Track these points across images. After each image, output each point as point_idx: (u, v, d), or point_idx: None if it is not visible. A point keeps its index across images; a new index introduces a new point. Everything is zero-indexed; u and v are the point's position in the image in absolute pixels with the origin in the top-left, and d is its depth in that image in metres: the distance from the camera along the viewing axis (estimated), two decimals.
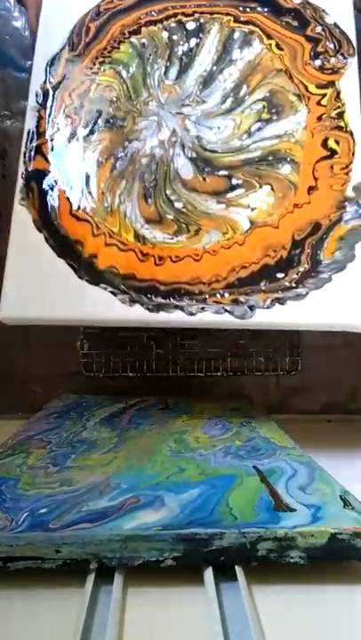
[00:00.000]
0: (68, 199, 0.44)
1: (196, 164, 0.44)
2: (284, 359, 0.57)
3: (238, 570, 0.24)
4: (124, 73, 0.47)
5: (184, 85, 0.46)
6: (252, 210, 0.43)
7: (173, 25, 0.47)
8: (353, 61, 0.46)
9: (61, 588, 0.24)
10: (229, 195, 0.43)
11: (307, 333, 0.58)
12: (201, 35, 0.47)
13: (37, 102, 0.47)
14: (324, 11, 0.47)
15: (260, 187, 0.43)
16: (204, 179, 0.44)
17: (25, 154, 0.46)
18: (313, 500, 0.27)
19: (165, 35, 0.47)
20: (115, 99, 0.46)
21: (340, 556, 0.24)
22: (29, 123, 0.46)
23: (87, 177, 0.45)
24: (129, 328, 0.55)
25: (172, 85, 0.46)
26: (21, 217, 0.44)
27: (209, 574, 0.24)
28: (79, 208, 0.44)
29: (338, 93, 0.45)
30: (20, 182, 0.45)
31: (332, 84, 0.45)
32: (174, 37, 0.47)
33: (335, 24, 0.47)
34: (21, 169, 0.46)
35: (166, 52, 0.47)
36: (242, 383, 0.59)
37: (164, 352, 0.57)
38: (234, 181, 0.44)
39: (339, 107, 0.45)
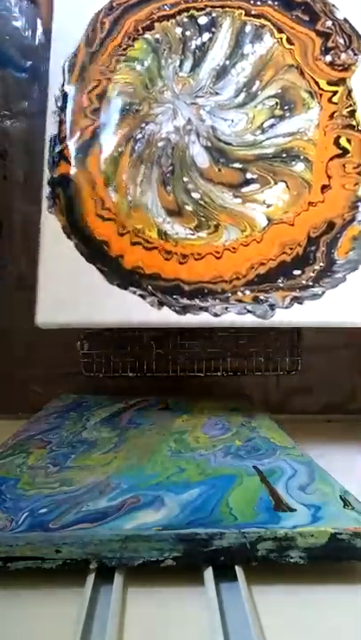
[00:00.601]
0: (92, 199, 0.45)
1: (211, 154, 0.45)
2: (284, 359, 0.57)
3: (238, 570, 0.24)
4: (138, 67, 0.47)
5: (198, 77, 0.47)
6: (268, 206, 0.44)
7: (186, 20, 0.48)
8: None
9: (61, 588, 0.24)
10: (245, 189, 0.44)
11: (307, 333, 0.58)
12: (213, 29, 0.47)
13: (57, 106, 0.47)
14: (333, 5, 0.47)
15: (275, 183, 0.44)
16: (220, 169, 0.45)
17: (49, 160, 0.46)
18: (313, 500, 0.27)
19: (179, 30, 0.48)
20: (131, 90, 0.47)
21: (340, 556, 0.24)
22: (51, 128, 0.47)
23: (109, 174, 0.45)
24: (129, 328, 0.55)
25: (187, 77, 0.47)
26: (50, 224, 0.45)
27: (209, 574, 0.24)
28: (103, 207, 0.45)
29: (349, 92, 0.46)
30: (46, 189, 0.46)
31: (343, 81, 0.46)
32: (187, 33, 0.48)
33: (345, 19, 0.47)
34: (46, 176, 0.46)
35: (180, 47, 0.47)
36: (242, 383, 0.59)
37: (164, 352, 0.57)
38: (248, 175, 0.45)
39: (350, 105, 0.45)
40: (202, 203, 0.44)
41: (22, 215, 0.59)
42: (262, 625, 0.21)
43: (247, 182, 0.45)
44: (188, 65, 0.47)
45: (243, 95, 0.46)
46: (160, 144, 0.46)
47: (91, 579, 0.23)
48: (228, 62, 0.47)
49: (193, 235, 0.44)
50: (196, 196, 0.45)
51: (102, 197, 0.45)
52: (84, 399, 0.54)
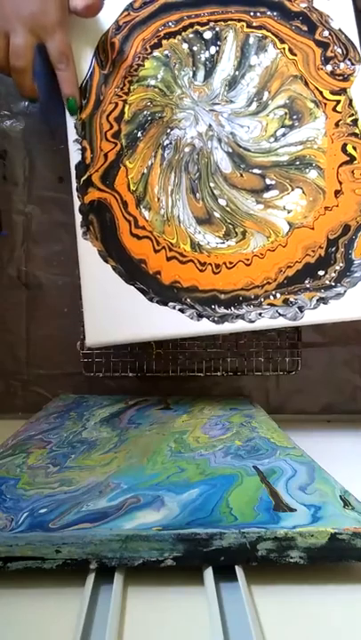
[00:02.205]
0: (125, 220, 0.47)
1: (233, 160, 0.47)
2: (284, 359, 0.58)
3: (238, 570, 0.24)
4: (152, 82, 0.49)
5: (212, 87, 0.48)
6: (289, 212, 0.47)
7: (191, 36, 0.49)
8: (360, 68, 0.48)
9: (61, 587, 0.24)
10: (265, 195, 0.47)
11: (307, 333, 0.58)
12: (219, 42, 0.49)
13: (77, 134, 0.48)
14: (328, 16, 0.48)
15: (293, 189, 0.47)
16: (242, 175, 0.47)
17: (77, 188, 0.48)
18: (313, 500, 0.27)
19: (185, 46, 0.49)
20: (149, 103, 0.48)
21: (340, 555, 0.24)
22: (75, 157, 0.48)
23: (139, 194, 0.47)
24: None
25: (202, 86, 0.48)
26: (87, 250, 0.47)
27: (209, 574, 0.24)
28: (137, 225, 0.47)
29: (350, 101, 0.47)
30: (78, 218, 0.48)
31: (343, 91, 0.48)
32: (194, 48, 0.49)
33: (340, 30, 0.48)
34: (77, 204, 0.48)
35: (190, 60, 0.49)
36: (242, 383, 0.59)
37: (164, 352, 0.57)
38: (268, 181, 0.47)
39: (352, 114, 0.47)
40: (228, 210, 0.47)
41: (22, 215, 0.59)
42: (262, 625, 0.21)
43: (267, 188, 0.47)
44: (200, 75, 0.48)
45: (255, 105, 0.48)
46: (186, 149, 0.47)
47: (91, 579, 0.23)
48: (237, 73, 0.48)
49: (223, 243, 0.47)
50: (222, 202, 0.47)
51: (135, 216, 0.47)
52: (84, 399, 0.54)
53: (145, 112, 0.48)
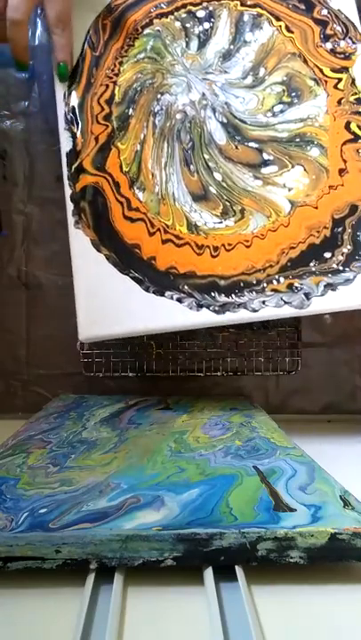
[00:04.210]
0: (118, 202, 0.45)
1: (228, 130, 0.45)
2: (284, 359, 0.58)
3: (238, 570, 0.24)
4: (142, 55, 0.47)
5: (205, 57, 0.47)
6: (290, 190, 0.44)
7: (184, 15, 0.48)
8: None
9: (61, 587, 0.24)
10: (263, 170, 0.45)
11: (307, 333, 0.58)
12: (212, 19, 0.48)
13: (67, 121, 0.46)
14: None
15: (293, 166, 0.45)
16: (237, 147, 0.45)
17: (68, 177, 0.46)
18: (313, 500, 0.27)
19: (178, 24, 0.48)
20: (140, 75, 0.47)
21: (340, 555, 0.24)
22: (65, 145, 0.46)
23: (133, 174, 0.45)
24: None
25: (195, 55, 0.47)
26: (79, 240, 0.45)
27: (209, 574, 0.24)
28: (130, 207, 0.44)
29: (353, 80, 0.46)
30: (69, 206, 0.45)
31: (345, 69, 0.46)
32: (187, 25, 0.48)
33: (339, 10, 0.48)
34: (67, 192, 0.46)
35: (182, 34, 0.48)
36: (242, 383, 0.59)
37: (164, 352, 0.57)
38: (265, 156, 0.45)
39: (355, 93, 0.46)
40: (225, 185, 0.45)
41: (22, 215, 0.59)
42: (262, 625, 0.21)
43: (265, 163, 0.45)
44: (194, 45, 0.47)
45: (251, 78, 0.46)
46: (178, 116, 0.46)
47: (91, 579, 0.23)
48: (232, 47, 0.47)
49: (221, 223, 0.44)
50: (218, 177, 0.45)
51: (128, 197, 0.45)
52: (84, 399, 0.54)
53: (135, 85, 0.47)
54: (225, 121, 0.46)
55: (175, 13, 0.48)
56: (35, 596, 0.23)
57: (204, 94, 0.46)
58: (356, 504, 0.27)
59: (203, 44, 0.47)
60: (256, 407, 0.51)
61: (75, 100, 0.47)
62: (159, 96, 0.46)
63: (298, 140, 0.45)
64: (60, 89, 0.47)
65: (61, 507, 0.27)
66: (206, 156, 0.45)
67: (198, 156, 0.45)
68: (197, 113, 0.46)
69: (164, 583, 0.24)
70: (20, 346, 0.59)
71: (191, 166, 0.45)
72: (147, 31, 0.48)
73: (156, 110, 0.46)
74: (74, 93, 0.47)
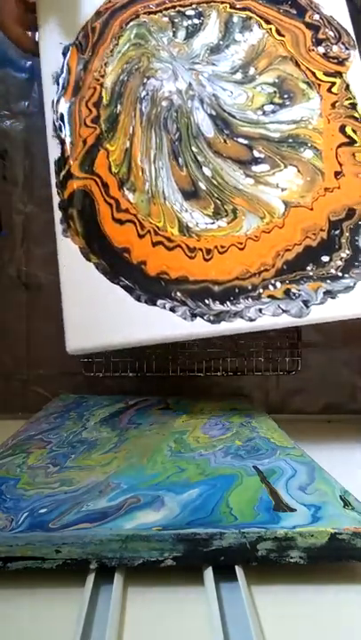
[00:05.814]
0: (106, 203, 0.43)
1: (216, 123, 0.44)
2: (284, 359, 0.57)
3: (238, 570, 0.24)
4: (126, 46, 0.46)
5: (192, 47, 0.46)
6: (283, 190, 0.43)
7: (173, 13, 0.47)
8: (356, 54, 0.46)
9: (61, 588, 0.24)
10: (254, 168, 0.44)
11: (307, 333, 0.58)
12: (202, 18, 0.47)
13: (55, 128, 0.45)
14: (318, 4, 0.47)
15: (286, 167, 0.44)
16: (225, 141, 0.44)
17: (57, 184, 0.45)
18: (313, 500, 0.27)
19: (166, 19, 0.47)
20: (125, 65, 0.46)
21: (340, 555, 0.24)
22: (53, 152, 0.45)
23: (122, 175, 0.44)
24: None
25: (182, 44, 0.46)
26: (67, 249, 0.43)
27: (209, 574, 0.24)
28: (119, 209, 0.43)
29: (347, 86, 0.46)
30: (57, 215, 0.44)
31: (338, 74, 0.46)
32: (175, 20, 0.47)
33: (332, 17, 0.47)
34: (55, 200, 0.44)
35: (170, 26, 0.47)
36: (242, 383, 0.59)
37: (164, 352, 0.57)
38: (256, 154, 0.44)
39: (350, 98, 0.45)
40: (215, 182, 0.43)
41: (22, 215, 0.59)
42: (262, 625, 0.21)
43: (256, 161, 0.44)
44: (181, 34, 0.46)
45: (240, 75, 0.45)
46: (164, 103, 0.45)
47: (91, 579, 0.23)
48: (221, 43, 0.46)
49: (213, 224, 0.42)
50: (207, 172, 0.43)
51: (117, 198, 0.43)
52: (84, 399, 0.54)
53: (122, 77, 0.46)
54: (213, 113, 0.44)
55: (164, 12, 0.47)
56: (35, 596, 0.23)
57: (190, 84, 0.45)
58: (356, 504, 0.27)
59: (190, 35, 0.46)
60: (256, 407, 0.51)
61: (63, 107, 0.46)
62: (145, 80, 0.45)
63: (291, 140, 0.44)
64: (48, 96, 0.46)
65: (61, 507, 0.27)
66: (195, 149, 0.44)
67: (186, 147, 0.44)
68: (184, 102, 0.44)
69: (164, 583, 0.24)
70: (20, 346, 0.59)
71: (180, 159, 0.43)
72: (131, 24, 0.47)
73: (142, 96, 0.45)
74: (62, 100, 0.46)
